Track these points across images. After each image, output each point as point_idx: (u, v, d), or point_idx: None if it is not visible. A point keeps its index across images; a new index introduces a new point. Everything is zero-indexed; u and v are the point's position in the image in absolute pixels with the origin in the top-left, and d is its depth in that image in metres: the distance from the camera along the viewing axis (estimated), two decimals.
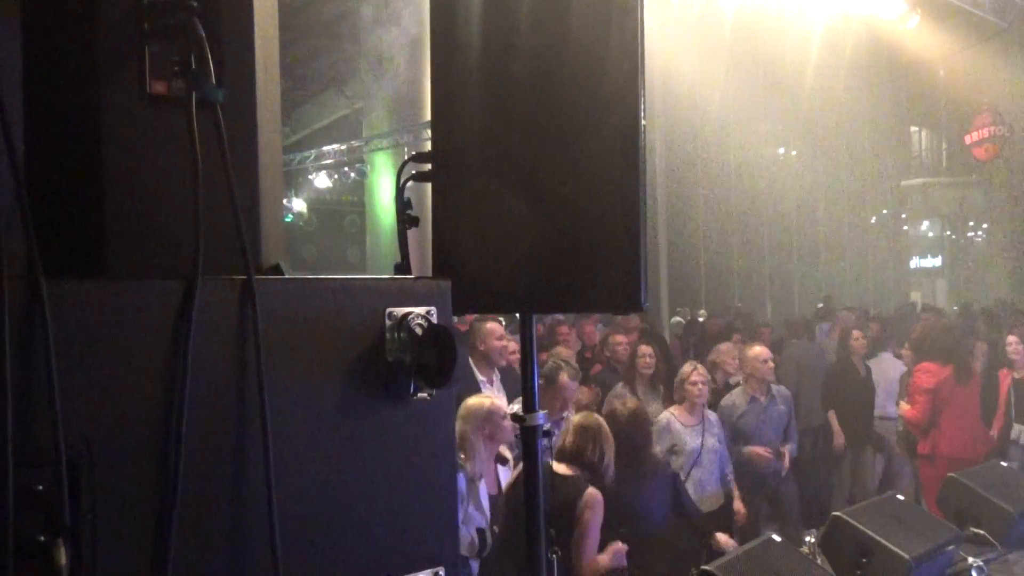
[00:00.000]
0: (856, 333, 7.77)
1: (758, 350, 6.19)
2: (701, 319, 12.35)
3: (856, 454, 7.46)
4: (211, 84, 1.20)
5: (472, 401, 4.11)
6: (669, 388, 5.92)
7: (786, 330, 9.85)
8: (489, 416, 4.05)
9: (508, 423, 4.09)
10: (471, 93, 1.88)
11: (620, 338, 7.19)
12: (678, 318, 14.96)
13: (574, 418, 4.14)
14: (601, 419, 4.14)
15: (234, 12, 1.28)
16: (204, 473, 1.16)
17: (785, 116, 20.21)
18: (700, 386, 5.39)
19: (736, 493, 5.54)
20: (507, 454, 4.29)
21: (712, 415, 5.60)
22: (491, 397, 4.38)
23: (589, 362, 7.44)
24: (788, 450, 6.02)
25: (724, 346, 6.91)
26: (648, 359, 6.18)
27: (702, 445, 5.21)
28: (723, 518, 5.26)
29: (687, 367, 5.62)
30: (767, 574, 2.97)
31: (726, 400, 6.13)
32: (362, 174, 18.47)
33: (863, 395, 7.46)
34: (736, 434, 5.95)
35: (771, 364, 6.14)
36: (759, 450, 5.88)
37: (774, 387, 6.18)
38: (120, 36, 1.20)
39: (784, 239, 22.11)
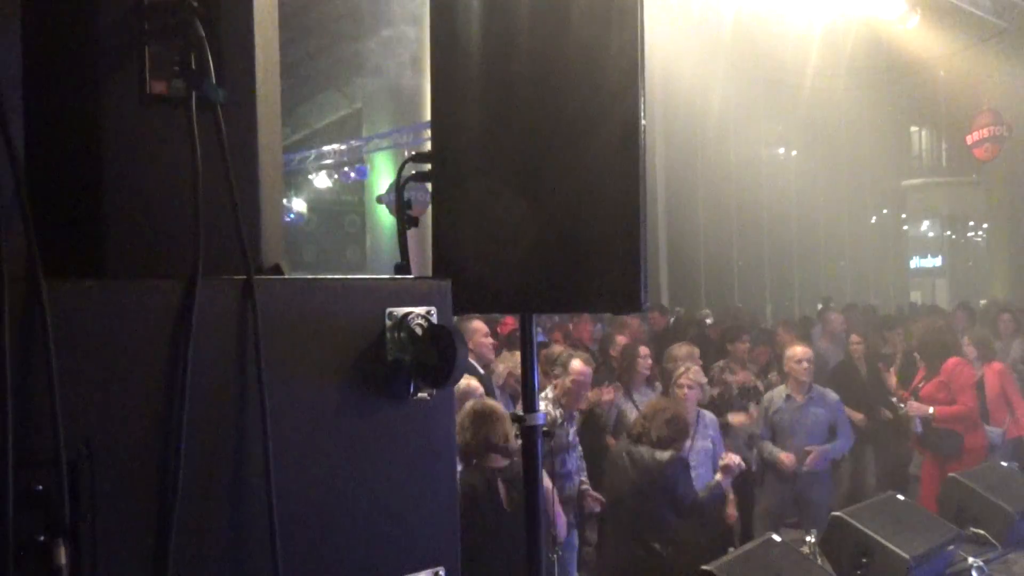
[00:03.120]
0: (855, 338, 7.75)
1: (797, 350, 6.16)
2: (709, 320, 12.31)
3: (856, 455, 7.44)
4: (211, 84, 1.21)
5: None
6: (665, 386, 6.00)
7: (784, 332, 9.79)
8: (464, 397, 4.06)
9: None
10: (471, 93, 1.88)
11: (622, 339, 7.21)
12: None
13: (467, 405, 3.96)
14: (492, 404, 4.02)
15: (234, 12, 1.28)
16: (204, 473, 1.16)
17: (785, 116, 20.20)
18: (686, 389, 5.41)
19: (730, 497, 5.55)
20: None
21: (708, 416, 5.60)
22: (467, 378, 4.35)
23: None
24: (818, 451, 5.95)
25: (682, 350, 6.81)
26: (649, 359, 6.20)
27: (691, 447, 5.20)
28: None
29: (680, 369, 5.64)
30: (767, 574, 2.97)
31: (767, 396, 6.27)
32: (362, 174, 18.49)
33: (865, 396, 7.44)
34: (771, 430, 6.09)
35: (805, 365, 6.05)
36: (783, 456, 5.91)
37: (818, 389, 6.14)
38: (120, 36, 1.20)
39: (784, 239, 22.09)
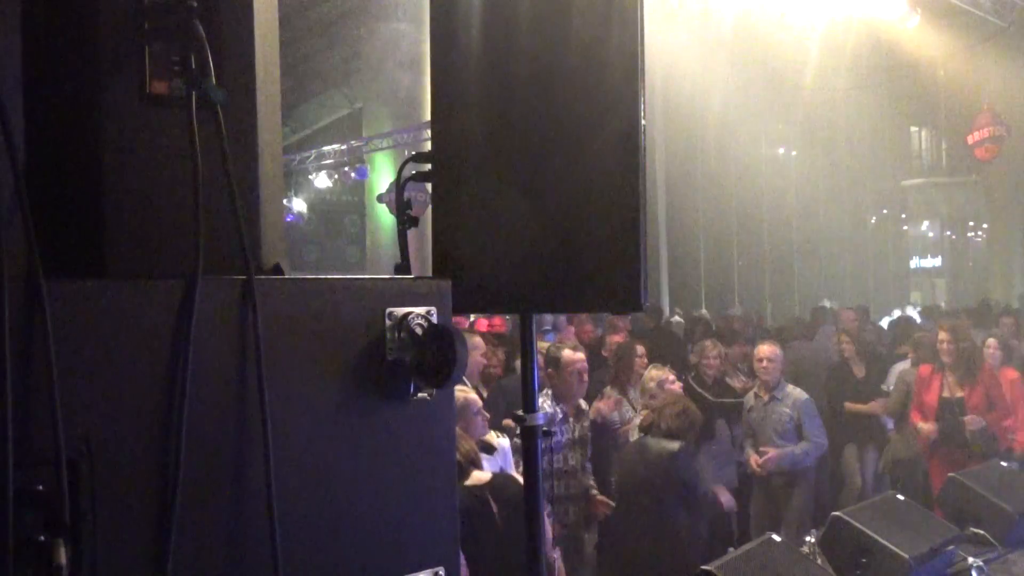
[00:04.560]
0: (844, 337, 7.74)
1: (762, 349, 6.30)
2: (676, 319, 12.33)
3: (857, 454, 7.43)
4: (211, 84, 1.20)
5: None
6: None
7: (781, 333, 9.77)
8: (463, 410, 4.04)
9: (480, 419, 4.10)
10: (471, 93, 1.88)
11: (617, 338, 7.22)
12: (677, 318, 14.93)
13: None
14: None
15: (234, 12, 1.28)
16: (204, 473, 1.16)
17: (785, 116, 20.21)
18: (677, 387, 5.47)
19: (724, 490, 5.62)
20: (495, 442, 4.27)
21: None
22: (465, 390, 4.33)
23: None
24: (774, 454, 6.00)
25: (707, 343, 6.86)
26: (645, 359, 6.22)
27: None
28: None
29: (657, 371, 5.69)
30: (767, 574, 2.97)
31: (746, 397, 6.41)
32: (362, 174, 18.49)
33: (861, 396, 7.43)
34: (750, 428, 6.24)
35: (765, 363, 6.16)
36: (752, 456, 6.11)
37: (787, 388, 6.18)
38: (120, 36, 1.20)
39: (784, 239, 22.10)
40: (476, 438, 4.15)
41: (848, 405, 7.24)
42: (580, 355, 5.11)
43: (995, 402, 6.32)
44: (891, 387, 7.37)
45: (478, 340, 5.68)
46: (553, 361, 5.01)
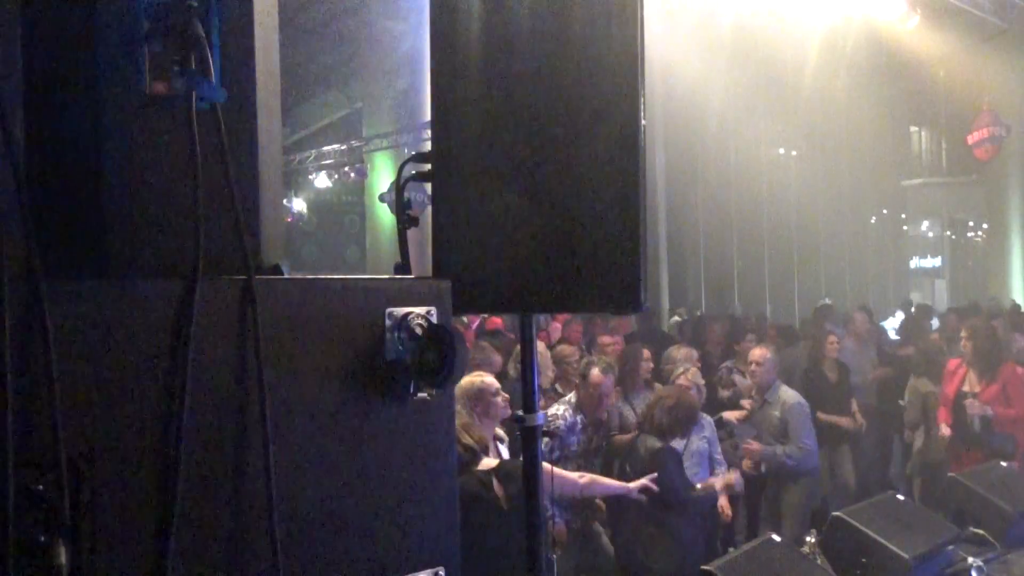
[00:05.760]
0: (832, 338, 7.65)
1: (752, 352, 6.31)
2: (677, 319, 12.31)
3: (831, 455, 7.37)
4: (211, 84, 1.21)
5: (463, 380, 4.07)
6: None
7: (778, 335, 9.69)
8: (481, 394, 4.02)
9: (500, 399, 4.11)
10: (471, 93, 1.88)
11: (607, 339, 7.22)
12: (677, 317, 14.93)
13: None
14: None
15: (234, 12, 1.29)
16: (204, 473, 1.16)
17: (785, 116, 20.18)
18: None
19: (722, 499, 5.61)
20: (501, 432, 4.29)
21: (704, 419, 5.60)
22: (481, 375, 4.30)
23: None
24: (752, 451, 5.99)
25: (681, 351, 6.72)
26: (651, 363, 6.20)
27: (685, 447, 5.22)
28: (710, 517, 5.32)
29: (679, 369, 5.70)
30: (767, 574, 2.98)
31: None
32: (362, 174, 18.50)
33: (835, 398, 7.40)
34: (755, 429, 6.25)
35: (754, 367, 6.16)
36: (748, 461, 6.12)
37: (779, 391, 6.11)
38: (120, 36, 1.20)
39: (784, 239, 22.08)
40: (500, 418, 4.15)
41: (820, 416, 7.12)
42: (609, 378, 5.15)
43: (1013, 400, 6.30)
44: (907, 393, 7.35)
45: (498, 359, 5.66)
46: (581, 375, 5.14)
